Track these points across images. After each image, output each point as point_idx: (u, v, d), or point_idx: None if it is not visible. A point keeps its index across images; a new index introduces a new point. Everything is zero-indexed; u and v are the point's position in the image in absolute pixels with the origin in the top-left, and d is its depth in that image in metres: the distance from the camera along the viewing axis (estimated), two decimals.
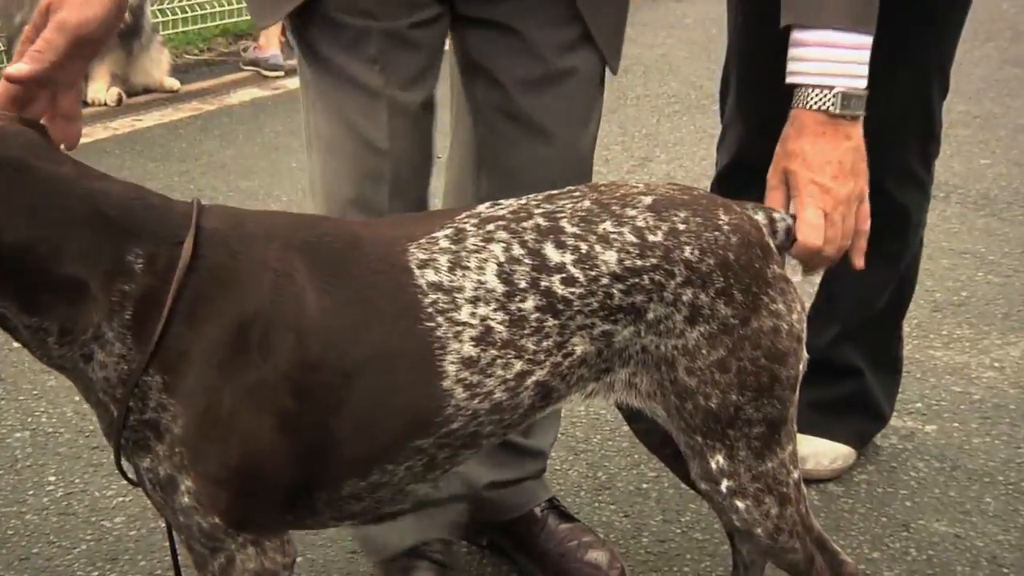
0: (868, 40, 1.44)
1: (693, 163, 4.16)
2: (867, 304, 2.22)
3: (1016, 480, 2.19)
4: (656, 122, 4.67)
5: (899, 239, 2.16)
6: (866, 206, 1.47)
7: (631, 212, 1.35)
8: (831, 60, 1.43)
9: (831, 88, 1.43)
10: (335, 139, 1.62)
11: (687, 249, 1.33)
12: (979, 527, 2.04)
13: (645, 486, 2.16)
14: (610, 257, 1.31)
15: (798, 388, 1.44)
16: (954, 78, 2.13)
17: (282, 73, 5.32)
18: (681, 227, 1.34)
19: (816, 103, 1.44)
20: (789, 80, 1.46)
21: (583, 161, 1.73)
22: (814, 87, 1.44)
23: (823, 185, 1.42)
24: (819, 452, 2.21)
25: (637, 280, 1.32)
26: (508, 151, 1.67)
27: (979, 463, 2.25)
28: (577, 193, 1.38)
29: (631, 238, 1.32)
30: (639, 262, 1.32)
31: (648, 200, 1.37)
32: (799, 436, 2.23)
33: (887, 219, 2.03)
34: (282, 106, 4.82)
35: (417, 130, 1.63)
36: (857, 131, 1.45)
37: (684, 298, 1.34)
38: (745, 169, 1.97)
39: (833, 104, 1.43)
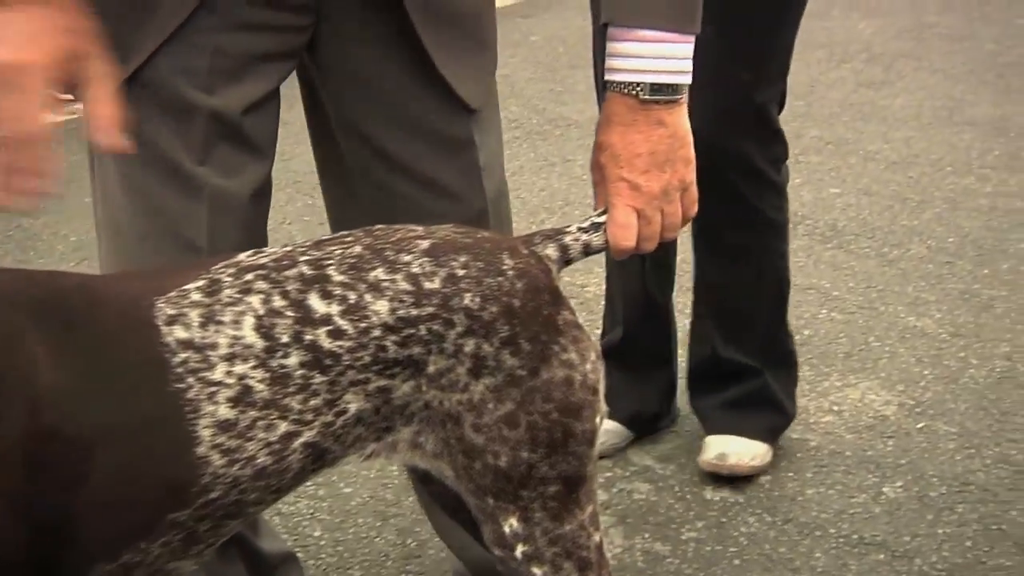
0: (689, 39, 1.47)
1: (531, 194, 4.22)
2: (743, 307, 2.51)
3: (848, 532, 2.28)
4: None
5: (756, 239, 2.46)
6: (692, 192, 1.48)
7: (406, 258, 1.36)
8: (646, 56, 1.46)
9: (640, 82, 1.45)
10: (135, 228, 1.55)
11: (467, 296, 1.35)
12: None
13: None
14: (382, 307, 1.32)
15: (596, 443, 1.47)
16: (807, 101, 2.25)
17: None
18: (460, 273, 1.36)
19: (626, 89, 1.45)
20: (605, 77, 1.48)
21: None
22: (622, 83, 1.46)
23: (632, 182, 1.43)
24: (738, 450, 2.48)
25: (413, 331, 1.34)
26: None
27: (811, 515, 2.34)
28: (349, 238, 1.39)
29: (405, 286, 1.34)
30: (414, 311, 1.33)
31: (425, 244, 1.38)
32: (717, 437, 2.52)
33: (742, 218, 2.41)
34: (74, 133, 4.71)
35: (243, 227, 1.58)
36: (674, 117, 1.46)
37: (466, 349, 1.35)
38: None
39: (643, 90, 1.45)
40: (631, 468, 2.50)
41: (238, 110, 1.54)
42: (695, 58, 1.67)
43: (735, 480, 2.47)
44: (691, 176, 1.49)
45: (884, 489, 2.43)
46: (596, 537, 1.49)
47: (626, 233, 1.44)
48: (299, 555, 1.92)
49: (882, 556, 2.20)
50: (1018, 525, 2.31)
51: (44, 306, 1.22)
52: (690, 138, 1.49)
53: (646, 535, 2.25)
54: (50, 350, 1.20)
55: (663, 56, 1.46)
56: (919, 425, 2.70)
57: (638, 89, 1.46)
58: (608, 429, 2.50)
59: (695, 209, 1.51)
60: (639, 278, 2.53)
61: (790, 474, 2.49)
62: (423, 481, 1.68)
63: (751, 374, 2.52)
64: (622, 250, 1.46)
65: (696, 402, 2.61)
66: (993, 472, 2.50)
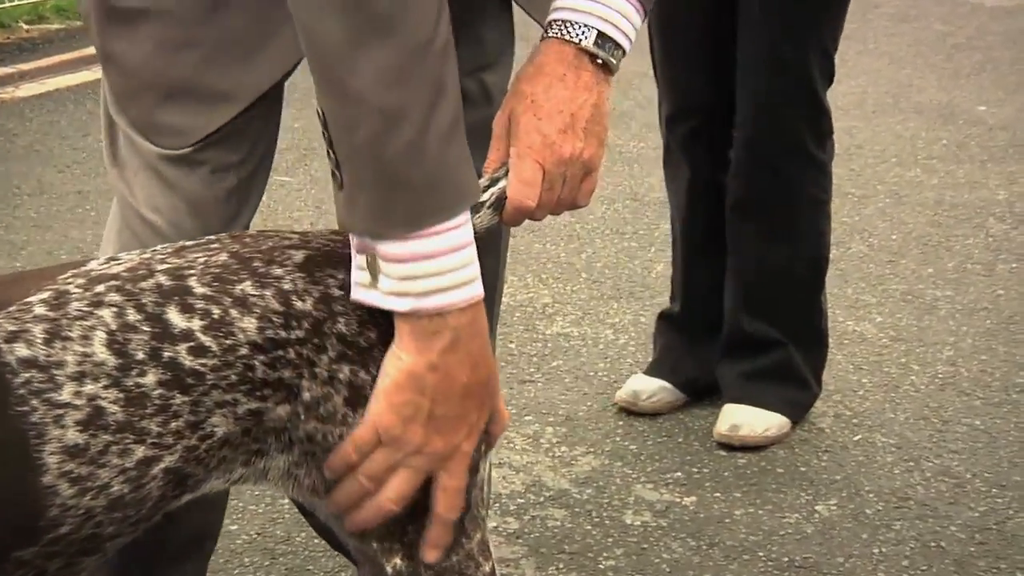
0: (643, 10, 1.46)
1: None
2: (770, 279, 2.74)
3: (778, 555, 2.32)
4: None
5: (795, 215, 2.72)
6: (593, 179, 1.47)
7: (277, 271, 1.36)
8: (600, 2, 1.43)
9: (588, 26, 1.43)
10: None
11: (341, 321, 1.36)
12: None
13: None
14: (249, 324, 1.33)
15: (481, 470, 1.49)
16: None
17: None
18: (336, 293, 1.37)
19: (567, 34, 1.43)
20: (549, 17, 1.45)
21: None
22: (570, 21, 1.43)
23: (547, 136, 1.41)
24: (752, 420, 2.69)
25: (282, 353, 1.34)
26: None
27: (739, 538, 2.38)
28: (215, 244, 1.38)
29: (275, 305, 1.34)
30: (283, 333, 1.34)
31: (300, 256, 1.39)
32: (733, 406, 2.72)
33: (780, 195, 2.69)
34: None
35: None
36: (602, 88, 1.45)
37: (341, 376, 1.36)
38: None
39: (586, 37, 1.42)
40: (545, 493, 2.52)
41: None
42: (745, 38, 2.32)
43: (743, 450, 2.68)
44: (598, 162, 1.46)
45: (817, 507, 2.48)
46: (486, 567, 1.49)
47: (529, 191, 1.41)
48: None
49: None
50: (958, 542, 2.37)
51: None
52: (607, 122, 1.49)
53: (560, 565, 2.28)
54: None
55: (619, 10, 1.44)
56: (856, 438, 2.76)
57: (583, 35, 1.43)
58: (666, 388, 2.84)
59: (588, 200, 1.48)
60: (697, 258, 2.86)
61: (717, 495, 2.53)
62: (305, 514, 1.68)
63: (775, 347, 2.75)
64: (521, 210, 1.42)
65: (720, 370, 2.83)
66: (933, 486, 2.56)
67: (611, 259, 3.77)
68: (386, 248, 1.31)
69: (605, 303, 3.45)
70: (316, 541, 2.32)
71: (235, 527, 2.38)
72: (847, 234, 3.95)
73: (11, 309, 1.28)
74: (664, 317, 2.94)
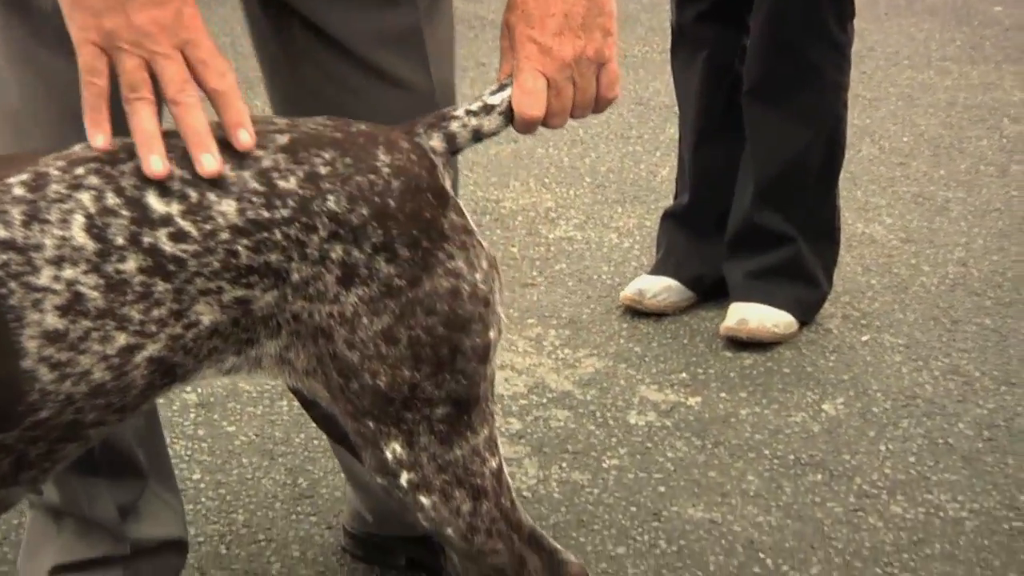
0: None
1: None
2: (789, 164, 2.69)
3: (783, 453, 2.31)
4: None
5: (814, 98, 2.67)
6: (612, 69, 1.45)
7: (257, 152, 1.33)
8: None
9: None
10: (21, 96, 1.57)
11: (331, 198, 1.33)
12: (738, 510, 2.14)
13: None
14: (228, 207, 1.30)
15: (491, 360, 1.46)
16: None
17: None
18: (323, 171, 1.34)
19: None
20: None
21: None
22: None
23: (542, 44, 1.40)
24: (760, 315, 2.68)
25: (267, 235, 1.31)
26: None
27: (744, 437, 2.36)
28: None
29: (255, 185, 1.31)
30: (266, 213, 1.31)
31: (283, 140, 1.35)
32: (741, 304, 2.70)
33: (801, 78, 2.65)
34: None
35: None
36: None
37: (333, 256, 1.33)
38: None
39: None
40: (548, 395, 2.50)
41: None
42: None
43: (752, 346, 2.65)
44: (610, 51, 1.43)
45: (824, 407, 2.46)
46: (492, 463, 1.48)
47: (532, 100, 1.40)
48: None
49: (819, 476, 2.23)
50: (965, 438, 2.35)
51: None
52: (612, 7, 1.45)
53: (563, 464, 2.26)
54: None
55: None
56: (864, 338, 2.73)
57: None
58: (671, 287, 2.82)
59: (615, 92, 1.46)
60: (707, 144, 2.80)
61: (722, 395, 2.51)
62: (309, 406, 1.66)
63: (787, 242, 2.73)
64: (528, 120, 1.41)
65: (728, 268, 2.80)
66: (941, 384, 2.54)
67: (615, 163, 3.73)
68: None
69: (609, 207, 3.41)
70: (315, 442, 2.31)
71: (232, 428, 2.37)
72: (857, 137, 3.90)
73: None
74: (669, 215, 2.91)
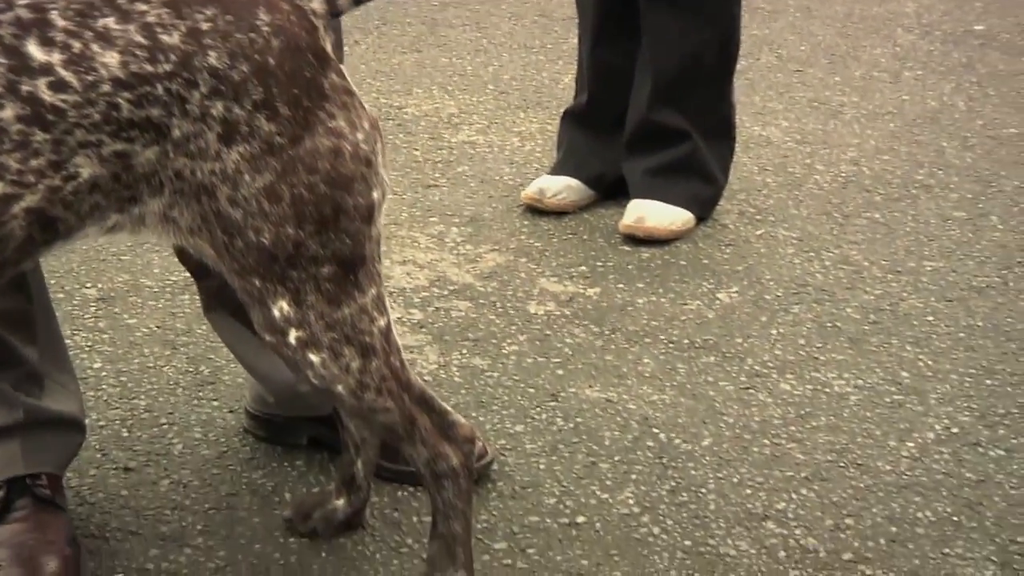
0: None
1: None
2: (686, 60, 2.73)
3: (679, 337, 2.35)
4: None
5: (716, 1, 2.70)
6: None
7: (141, 7, 1.33)
8: None
9: None
10: None
11: (212, 54, 1.33)
12: (633, 389, 2.19)
13: None
14: (111, 59, 1.29)
15: (376, 221, 1.47)
16: None
17: None
18: (205, 27, 1.33)
19: None
20: None
21: None
22: None
23: None
24: (658, 213, 2.73)
25: (149, 89, 1.31)
26: None
27: (640, 324, 2.40)
28: None
29: (138, 38, 1.31)
30: (149, 67, 1.31)
31: None
32: (639, 201, 2.74)
33: None
34: None
35: None
36: None
37: (214, 112, 1.34)
38: None
39: None
40: (449, 287, 2.52)
41: None
42: None
43: (648, 243, 2.70)
44: None
45: (719, 295, 2.51)
46: (381, 322, 1.50)
47: None
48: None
49: (712, 358, 2.28)
50: (852, 321, 2.41)
51: None
52: None
53: (464, 351, 2.29)
54: None
55: None
56: (758, 232, 2.79)
57: None
58: (571, 186, 2.84)
59: None
60: (604, 44, 2.82)
61: (620, 286, 2.54)
62: (199, 276, 1.66)
63: (682, 138, 2.78)
64: None
65: (626, 166, 2.85)
66: (831, 273, 2.60)
67: (518, 72, 3.73)
68: None
69: (512, 112, 3.42)
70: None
71: (133, 321, 2.36)
72: (756, 46, 3.94)
73: None
74: (568, 114, 2.93)
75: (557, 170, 2.88)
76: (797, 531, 1.84)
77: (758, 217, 2.85)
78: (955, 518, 1.87)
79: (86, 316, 2.35)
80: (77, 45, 1.29)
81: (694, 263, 2.65)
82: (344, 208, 1.42)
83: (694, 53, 2.73)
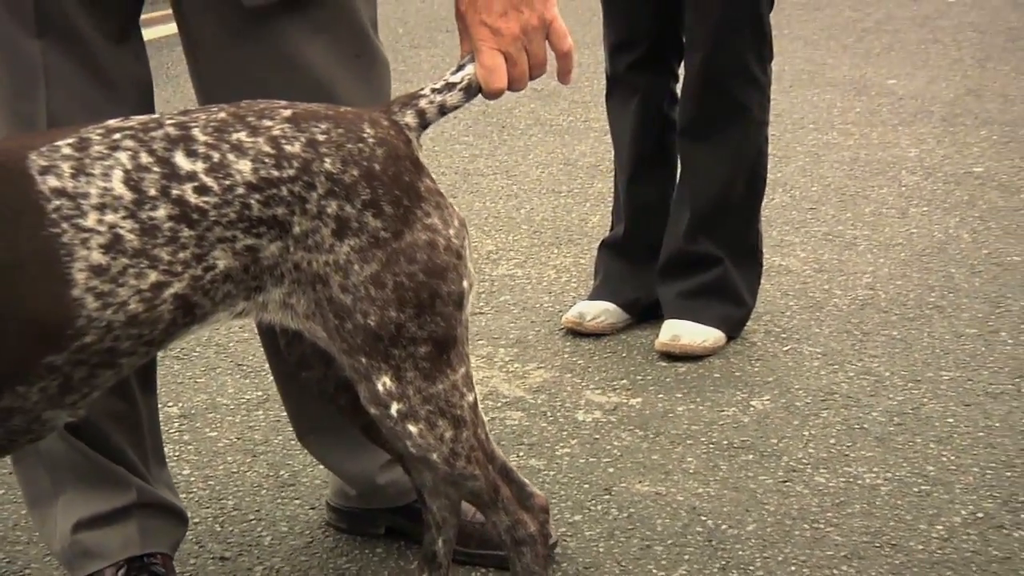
0: None
1: None
2: (718, 194, 2.99)
3: (718, 439, 2.54)
4: None
5: (743, 134, 2.99)
6: (557, 28, 1.68)
7: (267, 123, 1.56)
8: None
9: None
10: None
11: (327, 160, 1.56)
12: (680, 484, 2.37)
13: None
14: (244, 166, 1.52)
15: (465, 307, 1.68)
16: None
17: None
18: (321, 138, 1.57)
19: None
20: None
21: None
22: None
23: (492, 26, 1.64)
24: (692, 331, 2.95)
25: (275, 191, 1.54)
26: None
27: (682, 428, 2.59)
28: (214, 108, 1.59)
29: (266, 148, 1.54)
30: (275, 172, 1.54)
31: (287, 113, 1.59)
32: (673, 321, 2.99)
33: (729, 116, 2.97)
34: None
35: (90, 110, 1.76)
36: None
37: (329, 211, 1.56)
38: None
39: None
40: (502, 400, 2.72)
41: None
42: None
43: (683, 359, 2.92)
44: (551, 13, 1.68)
45: (752, 403, 2.71)
46: (470, 397, 1.70)
47: (494, 76, 1.66)
48: None
49: (751, 456, 2.47)
50: (878, 423, 2.60)
51: None
52: None
53: (520, 454, 2.47)
54: None
55: None
56: (785, 348, 2.99)
57: None
58: (609, 310, 3.09)
59: (567, 43, 1.70)
60: (639, 181, 3.10)
61: (660, 395, 2.74)
62: (302, 367, 1.85)
63: (714, 264, 3.01)
64: (493, 91, 1.67)
65: (661, 290, 3.08)
66: (855, 383, 2.80)
67: (548, 213, 3.99)
68: None
69: (546, 249, 3.66)
70: (292, 442, 2.49)
71: (214, 434, 2.55)
72: (770, 188, 4.15)
73: (41, 149, 1.47)
74: (606, 244, 3.17)
75: (595, 295, 3.11)
76: None
77: (783, 335, 3.06)
78: None
79: (171, 430, 2.55)
80: (216, 155, 1.52)
81: (727, 375, 2.85)
82: (439, 294, 1.63)
83: (726, 185, 2.99)
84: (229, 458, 2.45)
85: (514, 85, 1.69)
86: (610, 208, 3.41)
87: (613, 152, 3.19)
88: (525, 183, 4.27)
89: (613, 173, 3.24)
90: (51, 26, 1.72)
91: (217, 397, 2.72)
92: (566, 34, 1.70)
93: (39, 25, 1.72)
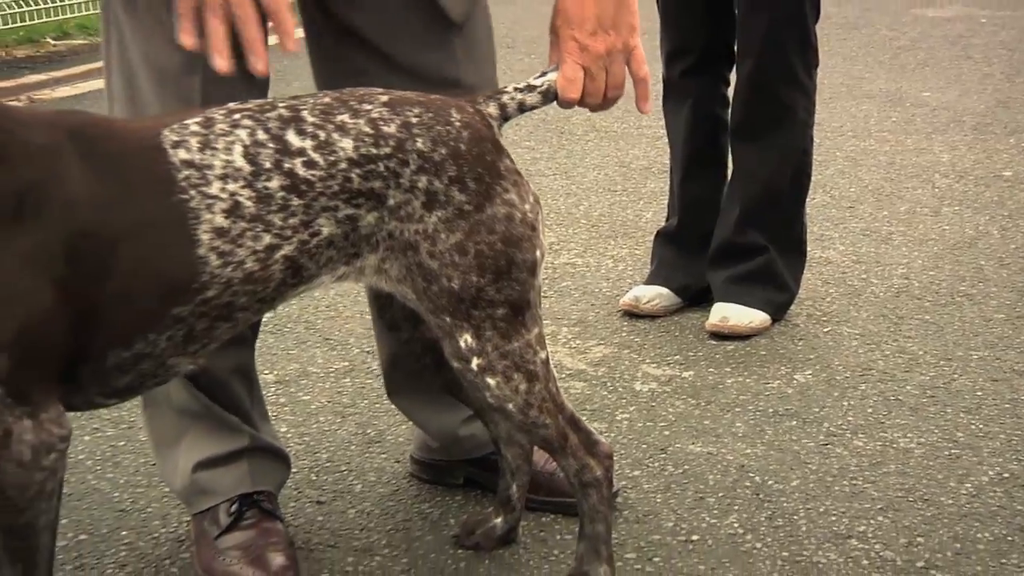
0: None
1: None
2: (766, 189, 3.08)
3: (764, 407, 2.62)
4: None
5: (788, 134, 3.06)
6: (638, 55, 1.77)
7: (367, 107, 1.67)
8: None
9: None
10: (151, 93, 1.85)
11: (419, 140, 1.66)
12: (729, 445, 2.45)
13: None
14: (347, 144, 1.63)
15: (538, 274, 1.78)
16: None
17: None
18: (414, 120, 1.67)
19: None
20: None
21: None
22: None
23: (580, 42, 1.73)
24: (738, 314, 3.04)
25: (373, 166, 1.64)
26: None
27: (731, 397, 2.67)
28: (320, 94, 1.70)
29: (366, 128, 1.64)
30: (374, 150, 1.64)
31: (384, 98, 1.69)
32: (722, 304, 3.10)
33: (777, 118, 3.06)
34: None
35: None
36: None
37: (420, 185, 1.66)
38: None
39: None
40: (565, 371, 2.81)
41: None
42: None
43: (733, 337, 3.01)
44: (635, 40, 1.78)
45: (795, 376, 2.78)
46: (542, 354, 1.80)
47: (572, 86, 1.76)
48: None
49: (794, 423, 2.54)
50: (912, 396, 2.67)
51: (75, 130, 1.51)
52: (635, 6, 1.80)
53: (583, 418, 2.55)
54: (81, 163, 1.48)
55: None
56: (826, 329, 3.06)
57: None
58: (662, 294, 3.19)
59: (644, 70, 1.80)
60: (692, 178, 3.20)
61: (711, 369, 2.82)
62: (392, 328, 1.96)
63: (760, 252, 3.09)
64: (568, 100, 1.77)
65: (711, 276, 3.18)
66: (891, 360, 2.87)
67: (605, 210, 4.08)
68: None
69: (603, 241, 3.75)
70: (377, 406, 2.61)
71: (307, 398, 2.67)
72: (812, 189, 4.16)
73: (173, 126, 1.58)
74: (661, 234, 3.25)
75: (650, 281, 3.19)
76: (876, 546, 2.08)
77: (824, 318, 3.13)
78: (1010, 539, 2.11)
79: (268, 394, 2.65)
80: (322, 134, 1.63)
81: (772, 353, 2.92)
82: (515, 261, 1.73)
83: (774, 181, 3.08)
84: (321, 418, 2.56)
85: (587, 99, 1.78)
86: (662, 205, 3.50)
87: (669, 151, 3.27)
88: (583, 183, 4.36)
89: (667, 172, 3.33)
90: None
91: (308, 367, 2.83)
92: (644, 62, 1.79)
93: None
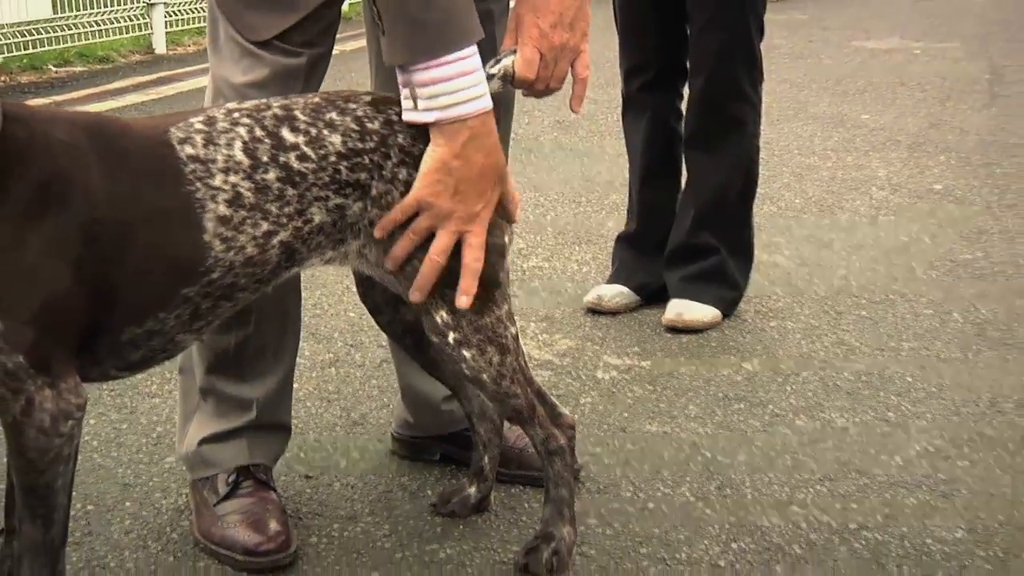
0: None
1: None
2: (718, 195, 3.18)
3: (715, 392, 2.70)
4: None
5: (738, 144, 3.16)
6: (584, 58, 1.85)
7: (352, 106, 1.74)
8: None
9: None
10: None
11: (400, 136, 1.73)
12: (683, 425, 2.53)
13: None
14: (336, 139, 1.70)
15: (506, 257, 1.84)
16: None
17: None
18: (395, 118, 1.74)
19: None
20: None
21: None
22: None
23: (542, 29, 1.80)
24: (693, 309, 3.13)
25: (359, 159, 1.71)
26: None
27: (685, 383, 2.75)
28: (310, 94, 1.77)
29: (353, 125, 1.71)
30: (360, 144, 1.71)
31: (368, 99, 1.77)
32: (677, 301, 3.18)
33: (727, 129, 3.15)
34: None
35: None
36: None
37: (400, 176, 1.73)
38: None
39: None
40: (532, 362, 2.88)
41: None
42: (695, 8, 2.90)
43: (687, 331, 3.09)
44: (584, 46, 1.86)
45: (744, 364, 2.87)
46: (512, 330, 1.87)
47: (529, 67, 1.82)
48: None
49: (742, 405, 2.63)
50: (849, 381, 2.78)
51: (92, 128, 1.57)
52: (590, 17, 1.87)
53: None
54: (98, 157, 1.55)
55: None
56: (772, 324, 3.15)
57: None
58: (623, 292, 3.25)
59: (587, 72, 1.88)
60: (649, 185, 3.29)
61: (666, 359, 2.91)
62: (375, 312, 2.02)
63: (712, 253, 3.18)
64: (523, 79, 1.82)
65: (667, 275, 3.25)
66: (831, 351, 2.97)
67: (570, 219, 4.16)
68: (417, 76, 1.67)
69: (569, 247, 3.83)
70: (361, 391, 2.67)
71: (295, 385, 2.70)
72: (760, 200, 4.28)
73: (179, 124, 1.64)
74: (621, 238, 3.34)
75: (611, 280, 3.27)
76: (815, 511, 2.16)
77: (770, 314, 3.22)
78: (932, 504, 2.20)
79: None
80: (313, 131, 1.70)
81: (722, 344, 3.00)
82: (487, 245, 1.79)
83: (724, 187, 3.16)
84: (309, 404, 2.62)
85: (537, 84, 1.83)
86: (623, 215, 3.58)
87: (628, 161, 3.36)
88: (551, 195, 4.44)
89: (627, 186, 3.41)
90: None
91: (297, 358, 2.87)
92: (588, 65, 1.87)
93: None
